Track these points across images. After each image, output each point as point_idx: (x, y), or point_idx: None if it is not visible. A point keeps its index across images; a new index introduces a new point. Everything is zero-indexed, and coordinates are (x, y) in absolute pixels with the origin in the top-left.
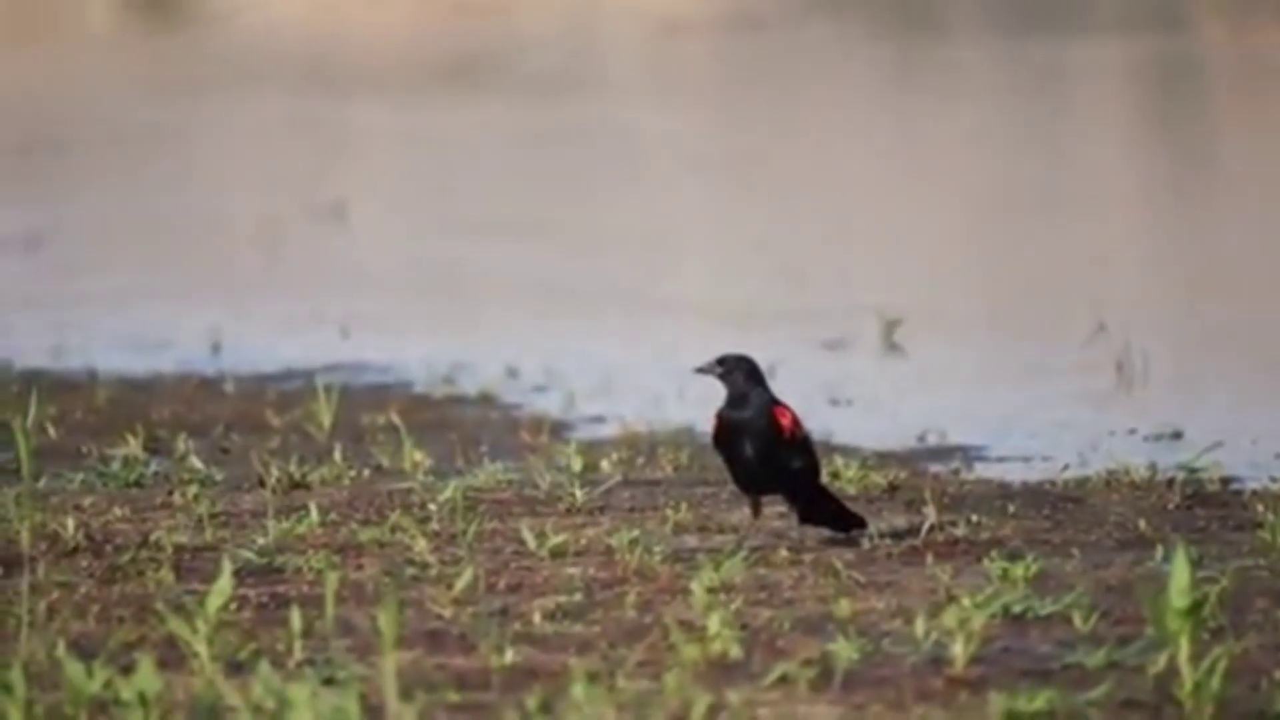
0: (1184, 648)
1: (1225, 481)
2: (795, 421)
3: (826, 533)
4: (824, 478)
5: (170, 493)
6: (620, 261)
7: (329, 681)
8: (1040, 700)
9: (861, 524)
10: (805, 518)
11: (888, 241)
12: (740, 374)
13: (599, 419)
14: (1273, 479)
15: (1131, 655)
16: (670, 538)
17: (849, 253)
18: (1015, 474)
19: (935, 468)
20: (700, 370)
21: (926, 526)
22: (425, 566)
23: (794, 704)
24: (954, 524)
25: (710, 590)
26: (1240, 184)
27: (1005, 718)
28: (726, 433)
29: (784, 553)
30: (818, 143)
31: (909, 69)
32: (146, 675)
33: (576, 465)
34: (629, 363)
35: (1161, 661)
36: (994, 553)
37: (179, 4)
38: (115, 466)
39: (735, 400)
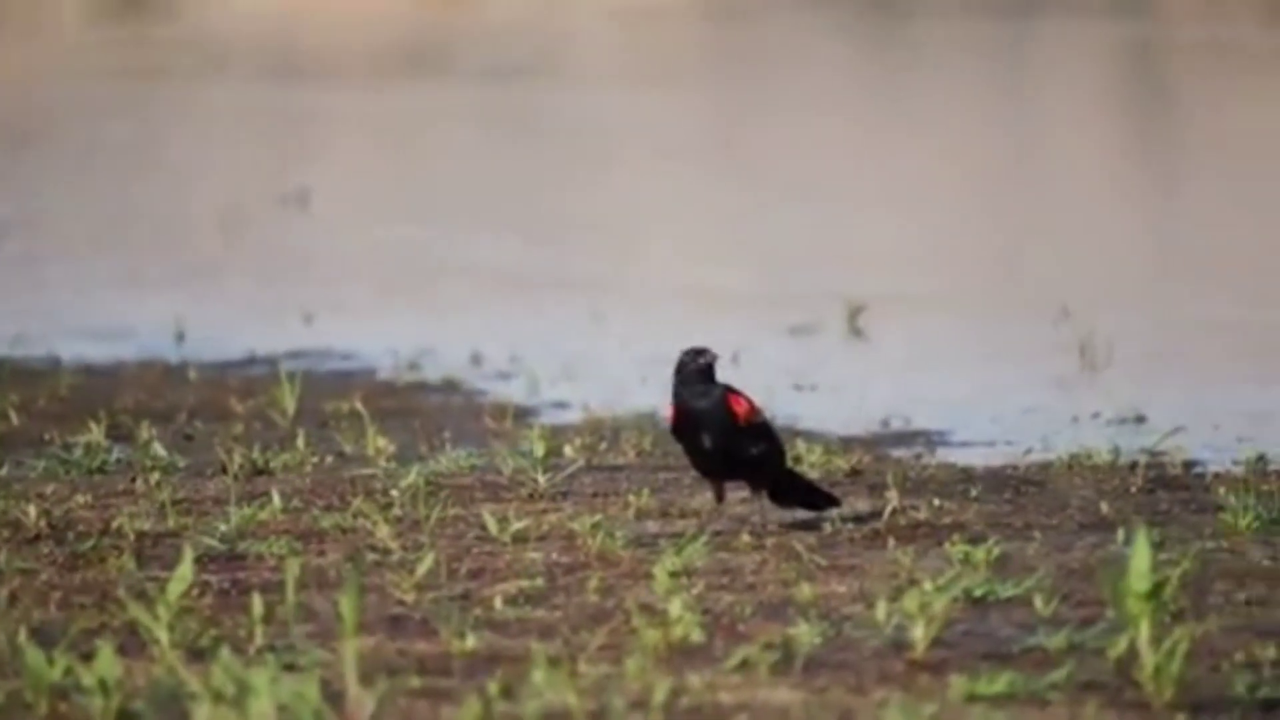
0: (1145, 630)
1: (1187, 465)
2: (752, 408)
3: (789, 517)
4: (788, 462)
5: (133, 479)
6: (585, 248)
7: (290, 667)
8: (1001, 683)
9: (835, 502)
10: (777, 499)
11: (853, 227)
12: (694, 367)
13: (562, 404)
14: (1234, 462)
15: (1092, 638)
16: (632, 523)
17: (815, 238)
18: (978, 458)
19: (898, 452)
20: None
21: (889, 510)
22: (387, 552)
23: (755, 688)
24: (916, 508)
25: (672, 575)
26: (1204, 169)
27: (966, 700)
28: (684, 422)
29: (746, 537)
30: (785, 130)
31: (879, 56)
32: (107, 662)
33: (539, 451)
34: (593, 349)
35: (1122, 644)
36: (956, 536)
37: None
38: (78, 453)
39: (691, 390)
